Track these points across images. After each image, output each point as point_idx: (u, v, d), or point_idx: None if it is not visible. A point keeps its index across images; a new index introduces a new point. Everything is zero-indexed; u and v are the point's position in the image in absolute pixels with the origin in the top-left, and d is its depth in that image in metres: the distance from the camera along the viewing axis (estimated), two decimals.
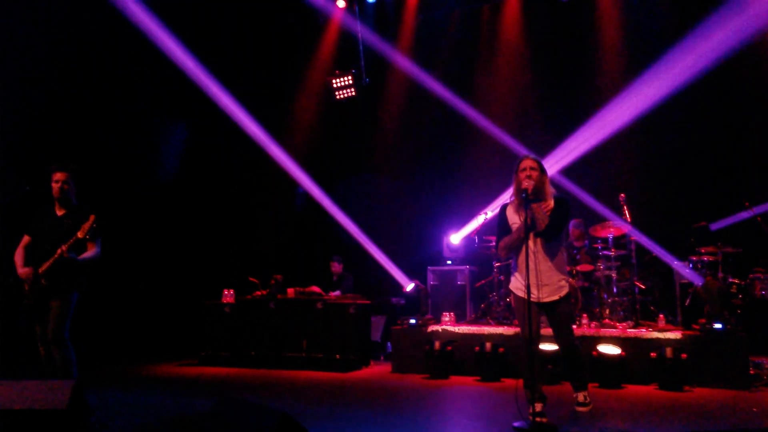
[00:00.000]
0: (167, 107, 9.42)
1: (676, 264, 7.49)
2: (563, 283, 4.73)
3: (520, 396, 4.62)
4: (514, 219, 4.78)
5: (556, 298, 4.69)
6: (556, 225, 4.64)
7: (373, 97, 10.42)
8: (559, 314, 4.77)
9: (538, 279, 4.61)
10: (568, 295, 4.76)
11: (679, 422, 4.82)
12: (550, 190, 4.75)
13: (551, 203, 4.69)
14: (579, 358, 4.98)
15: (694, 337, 6.51)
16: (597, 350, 6.36)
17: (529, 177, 4.60)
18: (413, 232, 9.95)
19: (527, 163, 4.69)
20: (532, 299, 4.52)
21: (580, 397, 5.07)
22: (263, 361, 7.92)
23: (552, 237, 4.66)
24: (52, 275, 4.84)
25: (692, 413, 5.13)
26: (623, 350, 6.37)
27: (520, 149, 9.20)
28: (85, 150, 8.00)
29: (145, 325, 8.94)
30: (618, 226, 7.54)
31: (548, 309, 4.78)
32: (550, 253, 4.69)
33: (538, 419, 4.43)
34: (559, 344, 5.03)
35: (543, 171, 4.72)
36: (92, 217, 4.82)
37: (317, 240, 10.28)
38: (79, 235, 4.78)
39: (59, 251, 4.76)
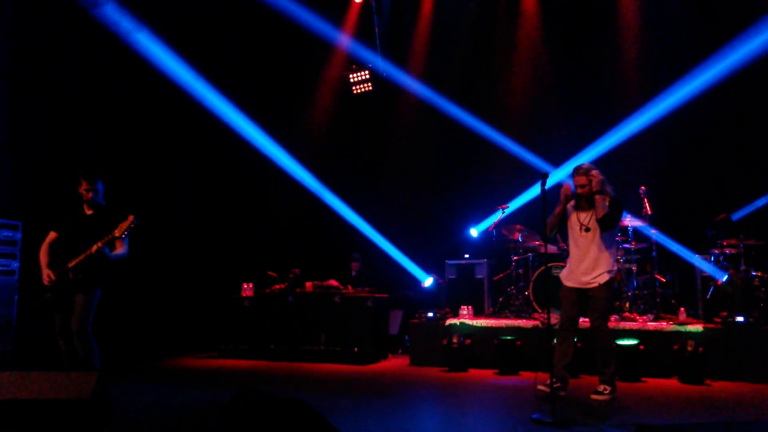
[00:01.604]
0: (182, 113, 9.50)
1: (697, 258, 7.40)
2: (604, 273, 5.22)
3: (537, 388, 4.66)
4: (574, 215, 5.42)
5: (594, 285, 5.23)
6: (612, 218, 5.17)
7: (390, 91, 10.40)
8: (593, 300, 5.26)
9: (584, 267, 5.28)
10: (606, 284, 5.22)
11: (699, 415, 4.78)
12: (607, 189, 5.29)
13: (607, 201, 5.25)
14: (603, 345, 5.27)
15: (716, 330, 6.45)
16: (616, 343, 6.33)
17: (583, 186, 5.29)
18: (431, 226, 9.91)
19: (579, 180, 5.32)
20: (573, 286, 5.34)
21: (600, 387, 5.23)
22: (282, 354, 7.98)
23: (605, 228, 5.21)
24: (81, 270, 4.93)
25: (713, 406, 5.08)
26: (643, 343, 6.32)
27: (540, 142, 9.18)
28: (111, 151, 8.15)
29: (166, 318, 9.04)
30: (634, 220, 7.46)
31: (586, 295, 5.30)
32: (599, 246, 5.26)
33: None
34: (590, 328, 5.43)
35: (591, 181, 5.24)
36: (131, 218, 4.95)
37: (336, 233, 10.28)
38: (116, 233, 4.90)
39: (96, 247, 4.87)
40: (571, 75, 9.33)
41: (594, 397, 5.21)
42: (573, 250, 5.42)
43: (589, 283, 5.25)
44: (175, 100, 9.17)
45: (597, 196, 5.19)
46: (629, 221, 7.44)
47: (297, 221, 10.54)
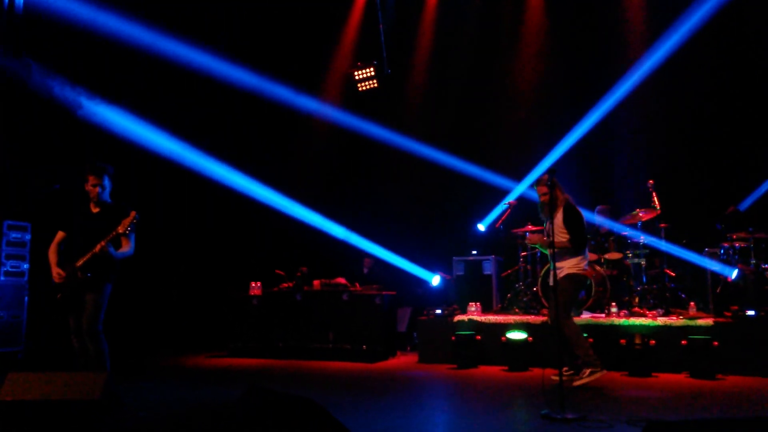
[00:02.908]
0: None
1: (706, 260, 7.35)
2: (565, 269, 5.79)
3: (547, 384, 4.65)
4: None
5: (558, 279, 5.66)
6: (572, 232, 5.73)
7: (396, 87, 10.38)
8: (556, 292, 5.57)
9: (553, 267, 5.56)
10: (564, 277, 5.76)
11: (710, 410, 4.74)
12: (562, 198, 5.79)
13: (559, 215, 5.75)
14: (564, 336, 5.58)
15: (726, 324, 6.40)
16: (624, 339, 6.30)
17: (544, 194, 5.77)
18: (439, 222, 9.89)
19: (540, 191, 5.82)
20: (551, 284, 5.44)
21: (573, 373, 5.64)
22: (290, 353, 7.99)
23: (578, 245, 5.75)
24: (89, 269, 4.93)
25: (724, 401, 5.04)
26: (653, 338, 6.28)
27: (545, 131, 9.16)
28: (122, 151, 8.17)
29: (175, 317, 9.07)
30: (644, 214, 7.41)
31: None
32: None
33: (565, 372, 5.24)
34: None
35: (552, 187, 5.69)
36: (133, 213, 4.94)
37: (345, 228, 10.25)
38: (120, 230, 4.89)
39: (99, 246, 4.87)
40: (577, 67, 9.28)
41: (577, 383, 5.48)
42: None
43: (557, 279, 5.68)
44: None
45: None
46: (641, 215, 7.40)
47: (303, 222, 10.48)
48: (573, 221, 5.77)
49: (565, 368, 5.68)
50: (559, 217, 5.79)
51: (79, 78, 7.87)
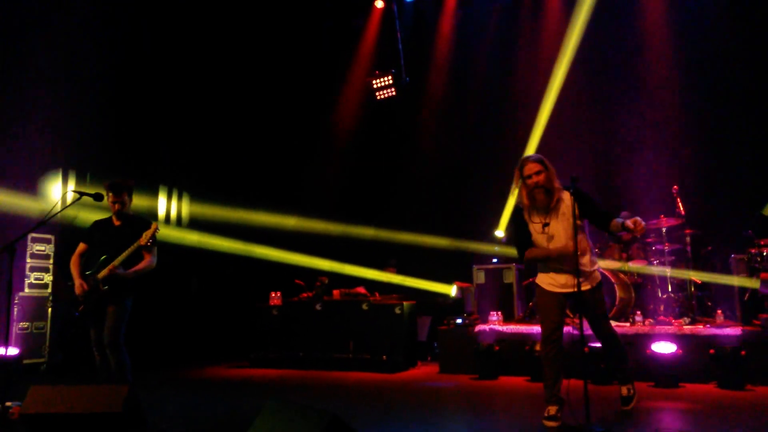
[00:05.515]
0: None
1: (733, 258, 7.20)
2: (595, 272, 4.66)
3: (572, 396, 4.53)
4: (535, 224, 4.60)
5: (588, 287, 4.54)
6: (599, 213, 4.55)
7: (414, 95, 10.37)
8: (592, 303, 4.59)
9: (567, 268, 4.51)
10: (601, 282, 4.68)
11: (740, 423, 4.62)
12: (558, 182, 4.51)
13: (565, 196, 4.50)
14: (621, 348, 4.81)
15: (755, 333, 6.25)
16: (651, 348, 6.16)
17: (538, 173, 4.45)
18: (459, 228, 9.82)
19: (532, 168, 4.47)
20: (558, 291, 4.57)
21: (623, 390, 4.87)
22: (311, 363, 7.97)
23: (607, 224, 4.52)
24: (111, 282, 4.96)
25: (754, 413, 4.91)
26: (680, 347, 6.14)
27: (565, 138, 9.05)
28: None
29: (196, 328, 9.10)
30: (669, 220, 7.29)
31: (576, 299, 4.56)
32: (580, 241, 4.42)
33: (548, 423, 4.43)
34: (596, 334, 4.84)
35: (547, 168, 4.49)
36: (155, 225, 4.99)
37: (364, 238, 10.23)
38: (142, 242, 4.93)
39: (118, 259, 4.90)
40: (597, 72, 9.19)
41: (626, 408, 4.77)
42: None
43: (577, 286, 4.34)
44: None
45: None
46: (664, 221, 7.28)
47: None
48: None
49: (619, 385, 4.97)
50: (567, 201, 4.50)
51: None
